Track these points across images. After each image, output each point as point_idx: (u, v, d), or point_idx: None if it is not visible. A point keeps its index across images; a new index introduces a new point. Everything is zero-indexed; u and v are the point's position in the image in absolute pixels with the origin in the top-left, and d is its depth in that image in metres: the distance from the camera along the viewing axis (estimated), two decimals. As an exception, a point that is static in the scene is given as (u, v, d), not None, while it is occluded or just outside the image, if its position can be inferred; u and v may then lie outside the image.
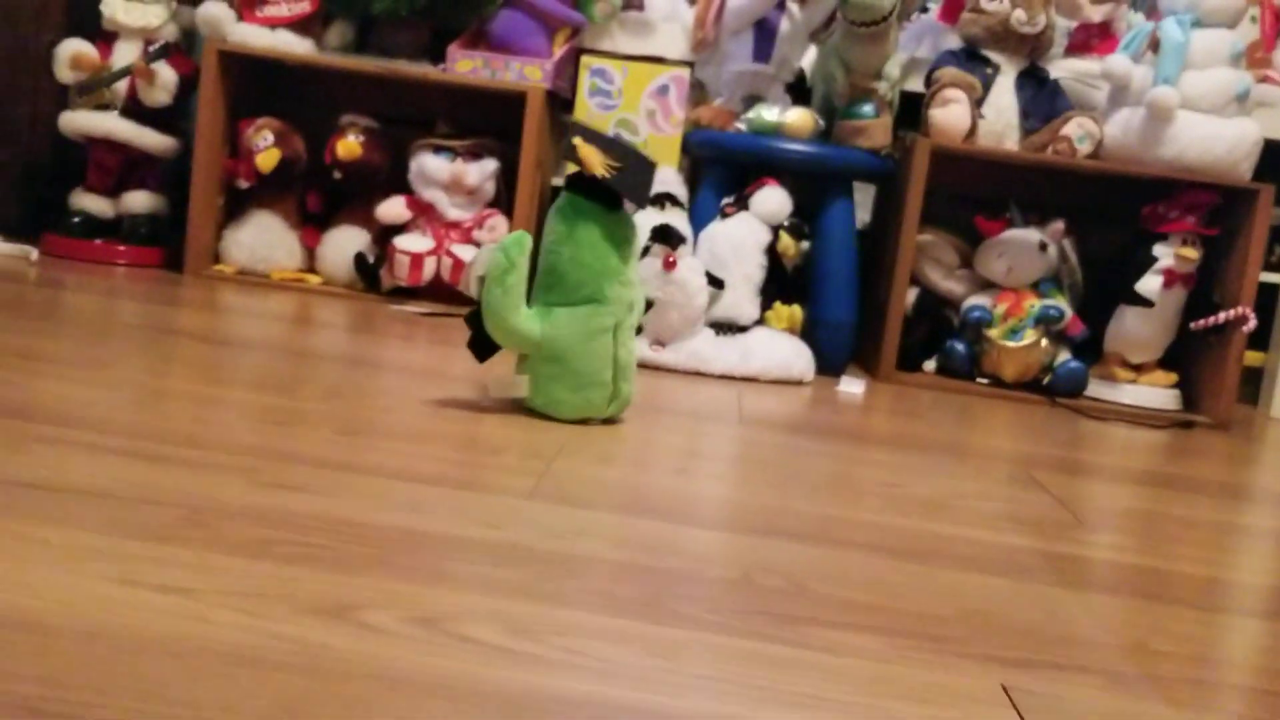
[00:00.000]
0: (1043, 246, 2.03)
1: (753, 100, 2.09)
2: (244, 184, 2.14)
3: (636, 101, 2.11)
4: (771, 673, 0.65)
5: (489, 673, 0.60)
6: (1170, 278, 2.00)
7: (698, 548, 0.88)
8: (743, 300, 1.87)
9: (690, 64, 2.17)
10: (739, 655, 0.67)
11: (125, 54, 2.15)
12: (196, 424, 1.04)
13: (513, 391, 1.30)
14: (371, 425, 1.14)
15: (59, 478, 0.82)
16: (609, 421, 1.30)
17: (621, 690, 0.60)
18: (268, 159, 2.08)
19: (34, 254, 2.05)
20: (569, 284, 1.25)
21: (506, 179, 2.14)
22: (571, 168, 1.26)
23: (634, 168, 1.26)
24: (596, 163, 1.22)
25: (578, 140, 1.23)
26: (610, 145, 1.26)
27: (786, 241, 1.92)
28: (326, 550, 0.75)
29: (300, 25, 2.14)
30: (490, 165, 2.12)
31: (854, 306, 1.98)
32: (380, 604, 0.67)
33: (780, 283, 1.94)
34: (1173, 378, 2.07)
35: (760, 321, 1.90)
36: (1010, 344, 2.00)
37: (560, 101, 2.22)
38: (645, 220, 1.84)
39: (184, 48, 2.24)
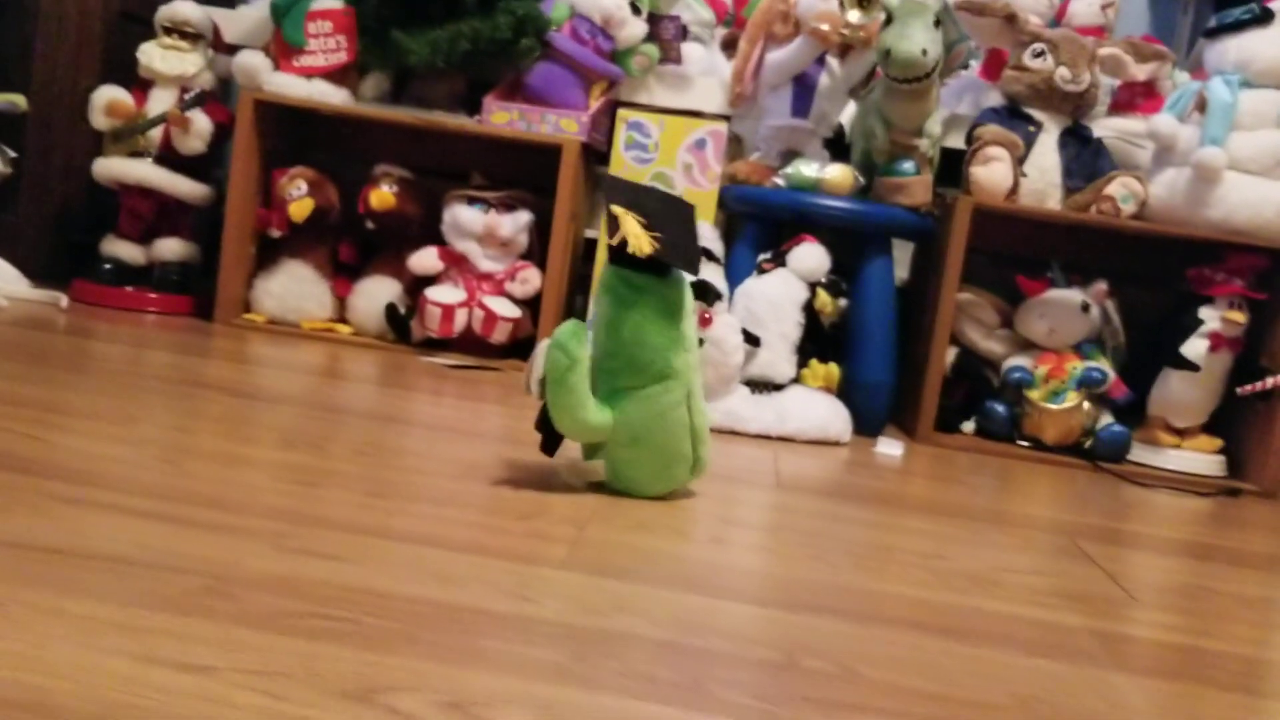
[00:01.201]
0: (1085, 307, 1.98)
1: (790, 156, 2.07)
2: (276, 233, 2.13)
3: (673, 155, 2.10)
4: (823, 771, 0.61)
5: (524, 768, 0.56)
6: (1216, 341, 1.95)
7: (738, 625, 0.84)
8: (779, 358, 1.83)
9: (728, 118, 2.15)
10: (788, 750, 0.63)
11: (161, 101, 2.16)
12: (222, 485, 1.01)
13: (589, 476, 1.24)
14: (401, 488, 1.11)
15: (78, 542, 0.80)
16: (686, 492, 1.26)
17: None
18: (301, 208, 2.08)
19: (64, 300, 2.04)
20: (637, 365, 1.17)
21: (540, 231, 2.12)
22: (608, 234, 1.19)
23: (676, 228, 1.17)
24: (642, 239, 1.13)
25: (619, 212, 1.15)
26: (644, 197, 1.18)
27: (824, 299, 1.89)
28: (353, 625, 0.72)
29: (336, 75, 2.14)
30: (524, 217, 2.10)
31: (892, 366, 1.94)
32: (409, 686, 0.63)
33: (817, 341, 1.91)
34: (1218, 443, 2.02)
35: (796, 380, 1.87)
36: (1052, 406, 1.96)
37: (596, 154, 2.21)
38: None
39: (219, 96, 2.24)
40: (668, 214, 1.18)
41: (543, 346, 1.15)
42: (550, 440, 1.20)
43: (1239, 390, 1.96)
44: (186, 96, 2.15)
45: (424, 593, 0.80)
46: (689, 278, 1.22)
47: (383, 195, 2.10)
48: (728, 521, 1.17)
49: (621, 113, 2.14)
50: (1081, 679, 0.83)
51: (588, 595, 0.85)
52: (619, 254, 1.17)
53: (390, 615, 0.74)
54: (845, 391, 1.90)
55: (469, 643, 0.71)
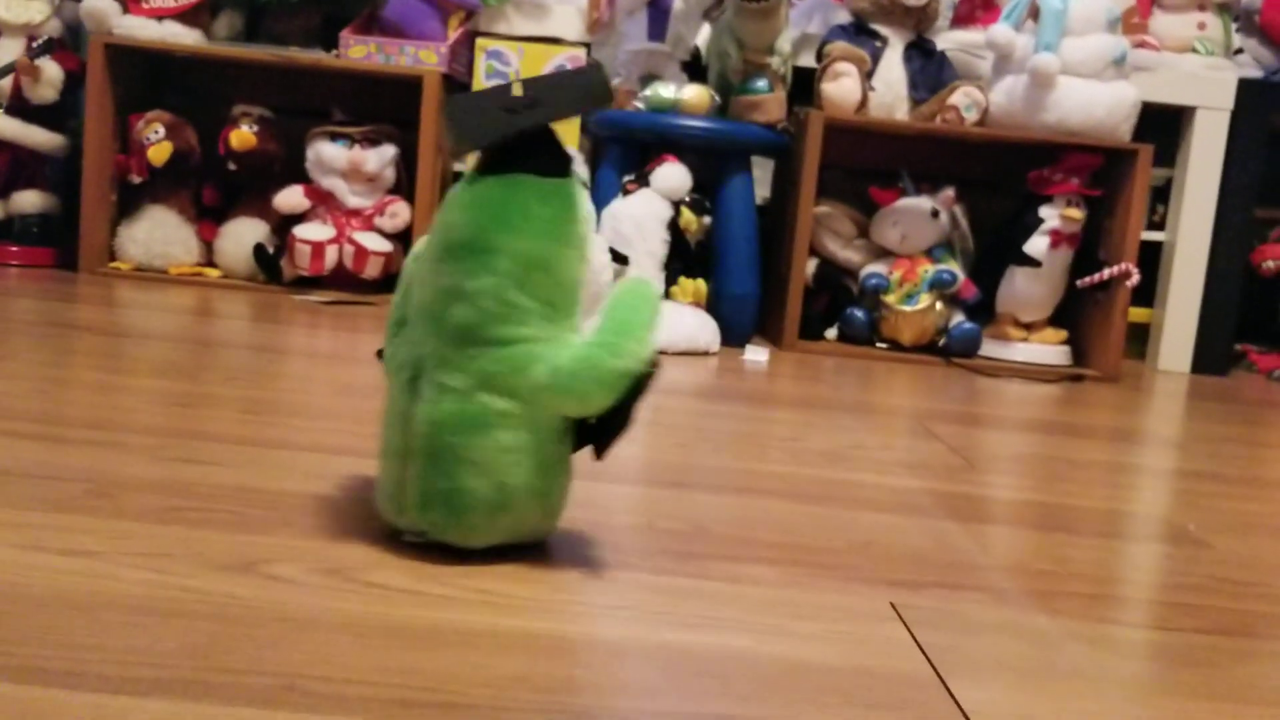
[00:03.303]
0: (934, 214, 2.09)
1: (649, 79, 2.11)
2: (137, 179, 2.10)
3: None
4: (671, 600, 0.68)
5: (397, 612, 0.61)
6: (1057, 238, 2.07)
7: (604, 500, 0.90)
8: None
9: (587, 45, 2.19)
10: (640, 587, 0.70)
11: (8, 51, 2.11)
12: (99, 409, 1.04)
13: None
14: (277, 405, 1.14)
15: (-44, 459, 0.82)
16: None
17: (526, 621, 0.62)
18: (160, 152, 2.06)
19: (-80, 257, 2.00)
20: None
21: (407, 165, 2.14)
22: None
23: (548, 95, 0.71)
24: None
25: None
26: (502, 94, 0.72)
27: (688, 217, 1.96)
28: (233, 515, 0.76)
29: (188, 15, 2.12)
30: (389, 151, 2.12)
31: (756, 278, 2.02)
32: (287, 559, 0.68)
33: (683, 257, 1.97)
34: (1062, 335, 2.15)
35: (665, 296, 1.93)
36: (907, 309, 2.06)
37: (457, 85, 2.22)
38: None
39: (68, 43, 2.19)
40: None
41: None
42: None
43: (1079, 283, 2.10)
44: (34, 44, 2.10)
45: (301, 488, 0.84)
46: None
47: (243, 135, 2.09)
48: (597, 420, 1.24)
49: (480, 42, 2.16)
50: (914, 527, 0.92)
51: (459, 482, 0.90)
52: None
53: (269, 506, 0.79)
54: (712, 305, 1.98)
55: (344, 525, 0.76)
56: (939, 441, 1.31)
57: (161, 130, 2.07)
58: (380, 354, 0.79)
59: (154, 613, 0.58)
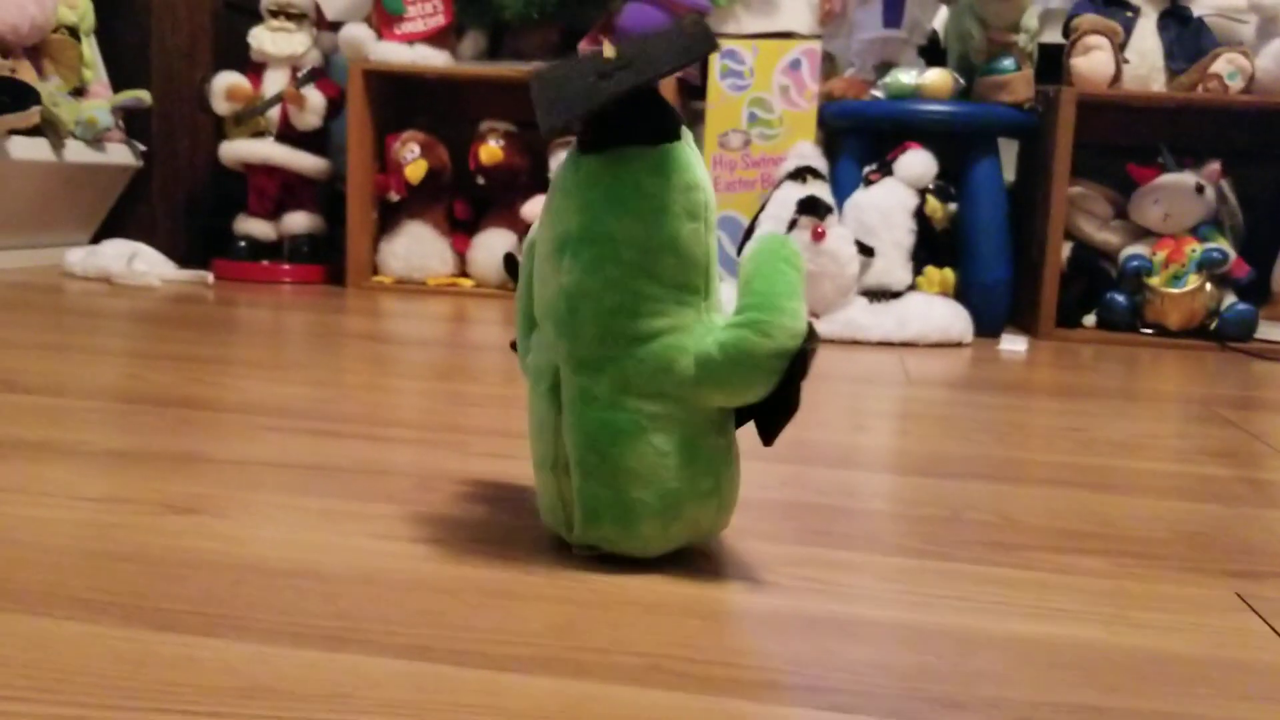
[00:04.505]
0: (1199, 189, 1.97)
1: (885, 68, 2.08)
2: (395, 197, 2.21)
3: (769, 79, 2.12)
4: (1002, 590, 0.66)
5: (735, 598, 0.62)
6: (1340, 209, 1.92)
7: (898, 491, 0.89)
8: (894, 266, 1.86)
9: (820, 37, 2.17)
10: (966, 577, 0.68)
11: (275, 82, 2.25)
12: (395, 409, 1.09)
13: None
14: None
15: (293, 458, 0.88)
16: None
17: (863, 609, 0.62)
18: (416, 170, 2.16)
19: (209, 278, 2.17)
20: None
21: (646, 169, 2.17)
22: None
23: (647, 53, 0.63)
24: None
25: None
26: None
27: (934, 204, 1.91)
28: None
29: (436, 38, 2.21)
30: (629, 157, 2.15)
31: (1007, 264, 1.95)
32: (616, 547, 0.70)
33: (931, 246, 1.93)
34: (1349, 313, 1.99)
35: (913, 287, 1.89)
36: (1173, 290, 1.95)
37: (692, 89, 2.25)
38: (788, 194, 1.86)
39: (327, 71, 2.33)
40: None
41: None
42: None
43: (1367, 257, 1.93)
44: (299, 74, 2.24)
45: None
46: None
47: (491, 150, 2.17)
48: (866, 414, 1.22)
49: (715, 44, 2.17)
50: (1237, 516, 0.87)
51: (748, 476, 0.91)
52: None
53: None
54: (963, 294, 1.93)
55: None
56: (1235, 428, 1.23)
57: (416, 149, 2.17)
58: (514, 345, 0.75)
59: (512, 596, 0.60)
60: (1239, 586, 0.69)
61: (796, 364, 0.62)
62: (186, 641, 0.53)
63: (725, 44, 2.17)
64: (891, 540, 0.75)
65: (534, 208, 2.17)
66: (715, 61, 2.17)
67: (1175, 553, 0.76)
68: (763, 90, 2.13)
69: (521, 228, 2.21)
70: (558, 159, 2.16)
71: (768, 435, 0.66)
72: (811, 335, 0.62)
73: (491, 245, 2.21)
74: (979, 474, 0.96)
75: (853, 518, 0.80)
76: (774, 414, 0.65)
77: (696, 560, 0.68)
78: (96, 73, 2.37)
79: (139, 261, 2.13)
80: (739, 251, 2.00)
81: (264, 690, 0.48)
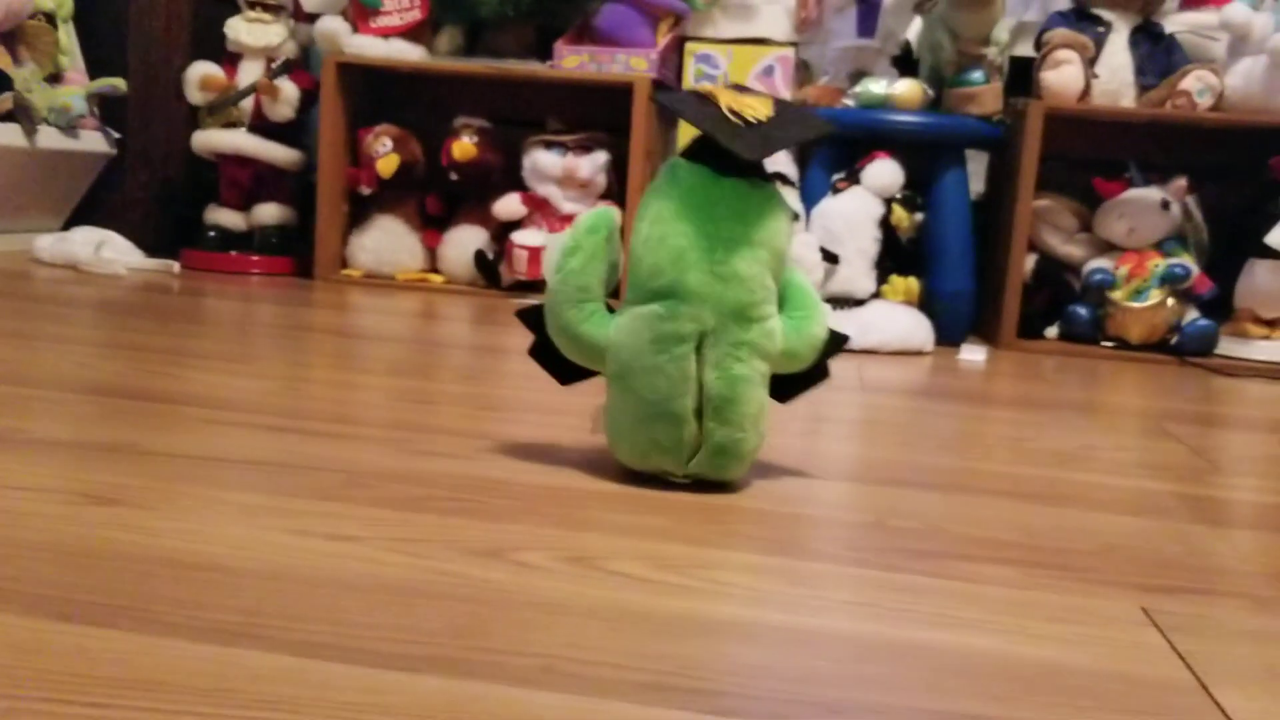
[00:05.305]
0: (1165, 205, 1.98)
1: (859, 76, 2.09)
2: (366, 190, 2.22)
3: (743, 84, 2.13)
4: (909, 598, 0.67)
5: (642, 600, 0.63)
6: (1303, 228, 1.94)
7: (830, 496, 0.90)
8: (859, 274, 1.87)
9: (795, 44, 2.18)
10: (877, 584, 0.69)
11: (250, 73, 2.25)
12: (342, 405, 1.10)
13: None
14: (505, 402, 1.19)
15: (225, 451, 0.88)
16: (702, 485, 0.88)
17: (766, 613, 0.63)
18: (388, 164, 2.16)
19: (175, 268, 2.17)
20: (644, 271, 0.86)
21: (618, 170, 2.18)
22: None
23: (783, 123, 0.87)
24: (742, 103, 0.86)
25: (709, 89, 0.88)
26: (772, 104, 0.88)
27: (900, 214, 1.92)
28: (479, 504, 0.79)
29: (412, 33, 2.21)
30: (601, 158, 2.16)
31: (971, 275, 1.96)
32: (534, 547, 0.71)
33: (895, 255, 1.94)
34: (1310, 332, 2.01)
35: (877, 295, 1.90)
36: (1135, 305, 1.96)
37: (666, 90, 2.25)
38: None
39: (303, 63, 2.33)
40: (786, 119, 0.89)
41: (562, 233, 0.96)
42: (557, 358, 0.92)
43: (1329, 276, 1.95)
44: (274, 66, 2.24)
45: (539, 480, 0.87)
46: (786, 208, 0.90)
47: (464, 146, 2.17)
48: (816, 419, 1.23)
49: (689, 46, 2.18)
50: (1161, 530, 0.88)
51: (687, 478, 0.91)
52: (689, 148, 0.89)
53: (511, 496, 0.82)
54: (926, 303, 1.94)
55: (583, 514, 0.79)
56: (1178, 442, 1.24)
57: (389, 143, 2.17)
58: (523, 314, 0.93)
59: (416, 594, 0.61)
60: (1146, 601, 0.70)
61: (832, 345, 0.92)
62: (83, 632, 0.53)
63: (701, 48, 2.18)
64: (809, 545, 0.76)
65: (506, 205, 2.17)
66: (690, 64, 2.18)
67: (1090, 565, 0.77)
68: (735, 95, 2.14)
69: (493, 225, 2.21)
70: (531, 157, 2.17)
71: (789, 398, 0.93)
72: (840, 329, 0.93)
73: (463, 242, 2.22)
74: (912, 481, 0.97)
75: (775, 522, 0.81)
76: (810, 383, 0.93)
77: (608, 561, 0.69)
78: (73, 59, 2.37)
79: (107, 249, 2.13)
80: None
81: (148, 683, 0.49)
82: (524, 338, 0.95)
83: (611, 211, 0.91)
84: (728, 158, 0.85)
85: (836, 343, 0.92)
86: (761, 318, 0.86)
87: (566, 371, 0.93)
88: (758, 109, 0.86)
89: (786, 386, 0.92)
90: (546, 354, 0.92)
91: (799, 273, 0.92)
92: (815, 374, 0.93)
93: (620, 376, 0.88)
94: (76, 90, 2.27)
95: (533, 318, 0.92)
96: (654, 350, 0.85)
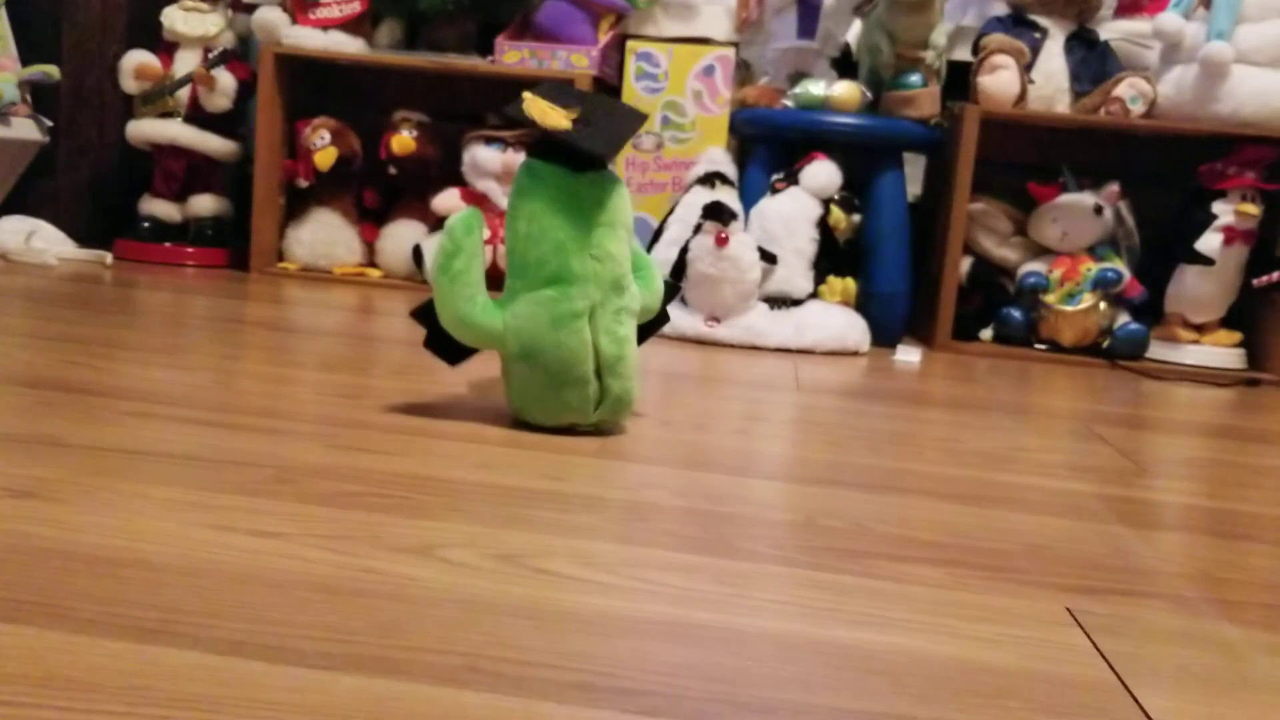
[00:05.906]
0: (1098, 210, 2.02)
1: (798, 77, 2.10)
2: (303, 183, 2.19)
3: (683, 83, 2.14)
4: (836, 597, 0.67)
5: (569, 598, 0.63)
6: (1230, 235, 1.98)
7: (759, 496, 0.90)
8: (795, 274, 1.88)
9: (735, 44, 2.19)
10: (804, 583, 0.70)
11: (186, 63, 2.22)
12: (273, 399, 1.08)
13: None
14: (439, 398, 1.18)
15: (149, 445, 0.87)
16: (601, 431, 1.08)
17: (693, 612, 0.63)
18: (325, 157, 2.14)
19: (108, 258, 2.12)
20: (529, 263, 1.02)
21: (559, 166, 2.17)
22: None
23: (606, 118, 1.05)
24: (551, 115, 1.01)
25: (526, 95, 1.03)
26: (576, 98, 1.05)
27: (837, 215, 1.94)
28: (407, 500, 0.78)
29: (351, 25, 2.19)
30: (542, 154, 2.15)
31: (907, 277, 1.98)
32: (462, 544, 0.70)
33: (832, 256, 1.95)
34: (1236, 337, 2.06)
35: (814, 295, 1.92)
36: (1068, 308, 2.00)
37: (608, 88, 2.25)
38: (696, 199, 1.87)
39: (241, 54, 2.30)
40: (599, 108, 1.06)
41: (440, 234, 1.05)
42: (447, 344, 1.07)
43: (1255, 282, 2.00)
44: (210, 56, 2.21)
45: (468, 476, 0.86)
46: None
47: (403, 140, 2.15)
48: (748, 418, 1.24)
49: (630, 45, 2.18)
50: (1086, 531, 0.89)
51: (617, 476, 0.91)
52: (534, 145, 1.06)
53: (439, 493, 0.81)
54: (862, 304, 1.95)
55: (511, 512, 0.78)
56: (1106, 445, 1.26)
57: (327, 136, 2.15)
58: (417, 313, 1.07)
59: (340, 592, 0.60)
60: (1071, 601, 0.71)
61: (670, 292, 1.16)
62: (-7, 630, 0.52)
63: (641, 46, 2.18)
64: (736, 544, 0.76)
65: (445, 200, 2.16)
66: (631, 62, 2.17)
67: (1016, 565, 0.78)
68: (676, 94, 2.14)
69: (432, 220, 2.19)
70: (471, 152, 2.15)
71: (641, 341, 1.10)
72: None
73: (400, 236, 2.20)
74: (843, 481, 0.97)
75: (704, 521, 0.81)
76: (654, 327, 1.15)
77: (536, 559, 0.69)
78: (5, 46, 2.31)
79: (37, 239, 2.08)
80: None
81: (61, 680, 0.48)
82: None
83: (478, 211, 1.05)
84: (580, 155, 1.02)
85: (671, 291, 1.16)
86: (629, 285, 1.05)
87: (455, 355, 1.08)
88: (559, 120, 1.01)
89: (641, 333, 1.11)
90: (437, 343, 1.08)
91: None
92: (660, 320, 1.16)
93: (525, 355, 1.03)
94: (8, 77, 2.22)
95: (423, 315, 1.07)
96: (554, 327, 1.01)
